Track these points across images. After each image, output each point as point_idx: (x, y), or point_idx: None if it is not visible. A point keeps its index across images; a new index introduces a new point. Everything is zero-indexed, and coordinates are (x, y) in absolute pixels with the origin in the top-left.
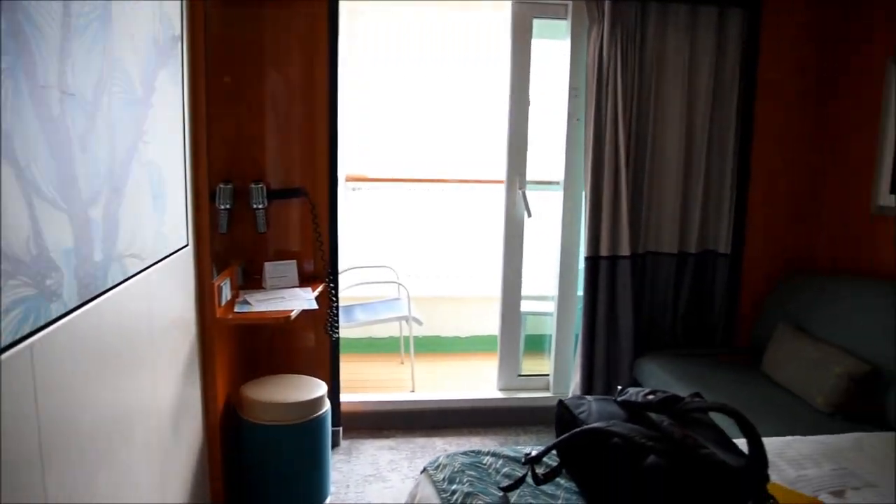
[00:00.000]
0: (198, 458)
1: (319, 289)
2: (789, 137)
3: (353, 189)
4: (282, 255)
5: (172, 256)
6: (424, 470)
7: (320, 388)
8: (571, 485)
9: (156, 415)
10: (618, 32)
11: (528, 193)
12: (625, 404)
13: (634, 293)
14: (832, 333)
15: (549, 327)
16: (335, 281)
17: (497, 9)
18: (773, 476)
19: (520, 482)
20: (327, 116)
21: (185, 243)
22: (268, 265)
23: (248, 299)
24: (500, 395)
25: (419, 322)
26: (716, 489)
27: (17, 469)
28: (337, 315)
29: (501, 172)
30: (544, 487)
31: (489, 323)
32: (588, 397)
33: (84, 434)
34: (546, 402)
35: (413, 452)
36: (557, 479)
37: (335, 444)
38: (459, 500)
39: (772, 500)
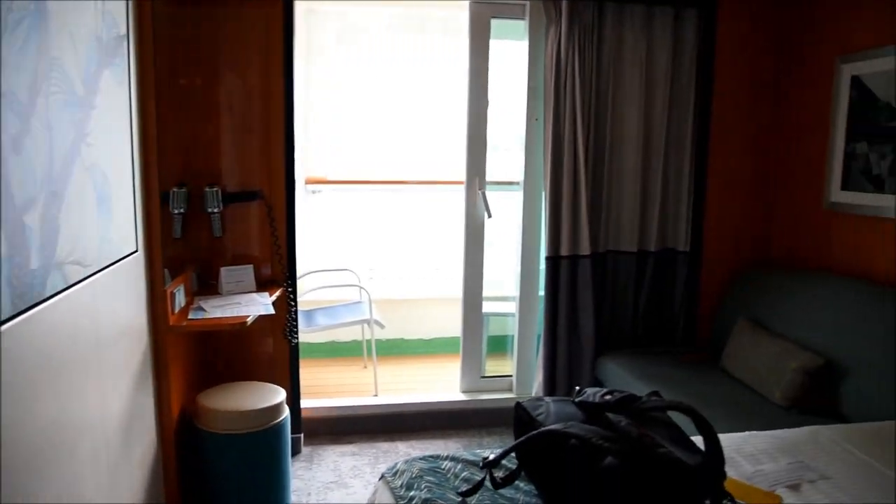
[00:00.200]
0: (151, 469)
1: (277, 293)
2: (745, 136)
3: (313, 192)
4: (239, 260)
5: (121, 262)
6: (382, 476)
7: (279, 395)
8: (531, 487)
9: (104, 426)
10: (575, 32)
11: (488, 194)
12: (583, 405)
13: (595, 292)
14: (788, 328)
15: (512, 328)
16: (293, 285)
17: (459, 8)
18: (731, 472)
19: (478, 486)
20: (283, 118)
21: (134, 249)
22: (223, 270)
23: (203, 305)
24: (463, 397)
25: (381, 325)
26: (673, 488)
27: None
28: (296, 320)
29: (462, 173)
30: (503, 491)
31: (452, 324)
32: (546, 398)
33: (23, 447)
34: (509, 403)
35: (375, 458)
36: (517, 482)
37: (296, 452)
38: None
39: (728, 498)
